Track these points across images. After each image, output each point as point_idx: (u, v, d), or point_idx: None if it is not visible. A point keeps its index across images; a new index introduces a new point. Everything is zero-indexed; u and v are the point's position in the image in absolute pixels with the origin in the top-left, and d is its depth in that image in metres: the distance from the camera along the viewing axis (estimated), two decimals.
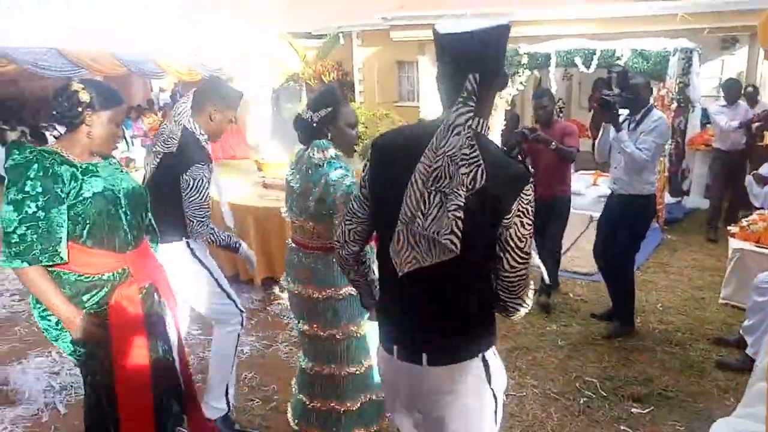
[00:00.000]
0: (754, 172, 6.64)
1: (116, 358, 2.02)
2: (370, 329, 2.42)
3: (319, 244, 2.35)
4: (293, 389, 2.68)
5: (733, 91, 6.30)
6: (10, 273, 5.26)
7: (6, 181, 1.89)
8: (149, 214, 2.22)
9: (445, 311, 1.48)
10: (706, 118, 7.97)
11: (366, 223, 1.62)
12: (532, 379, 3.30)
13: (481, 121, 1.40)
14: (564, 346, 3.69)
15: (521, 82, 7.31)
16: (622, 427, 2.89)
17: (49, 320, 2.00)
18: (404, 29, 11.32)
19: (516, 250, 1.39)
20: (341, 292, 2.36)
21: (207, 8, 13.89)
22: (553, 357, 3.54)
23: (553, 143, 4.05)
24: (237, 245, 2.80)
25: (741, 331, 3.57)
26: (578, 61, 6.74)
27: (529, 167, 3.85)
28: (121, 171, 2.15)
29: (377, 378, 2.43)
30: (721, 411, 2.98)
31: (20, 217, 1.84)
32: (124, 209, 2.03)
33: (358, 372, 2.46)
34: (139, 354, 2.06)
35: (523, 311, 1.52)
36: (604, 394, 3.17)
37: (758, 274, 3.62)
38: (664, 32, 7.57)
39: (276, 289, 4.72)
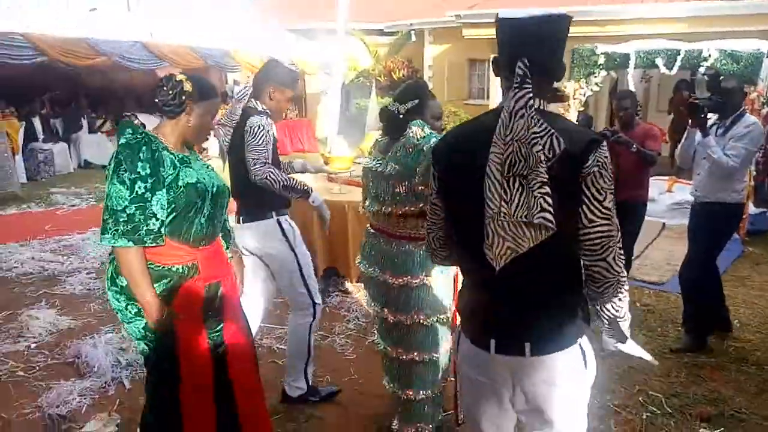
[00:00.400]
0: None
1: (181, 350, 2.07)
2: (438, 323, 2.46)
3: (404, 232, 2.40)
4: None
5: None
6: (91, 252, 5.60)
7: (116, 159, 1.92)
8: (225, 213, 2.27)
9: (543, 297, 1.47)
10: None
11: (439, 227, 1.64)
12: (591, 389, 3.17)
13: (543, 102, 1.42)
14: (628, 357, 3.52)
15: (597, 83, 7.06)
16: None
17: (121, 302, 2.06)
18: (476, 27, 11.20)
19: (594, 202, 1.36)
20: (415, 281, 2.39)
21: (281, 6, 14.28)
22: (614, 367, 3.40)
23: (635, 146, 3.89)
24: (307, 190, 2.80)
25: None
26: (660, 61, 6.45)
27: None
28: (209, 167, 2.20)
29: (441, 372, 2.55)
30: None
31: (131, 196, 1.88)
32: (209, 205, 2.07)
33: (421, 360, 2.49)
34: (201, 349, 2.11)
35: (611, 279, 1.43)
36: (670, 411, 3.01)
37: None
38: (756, 32, 7.12)
39: (336, 282, 4.77)
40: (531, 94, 1.33)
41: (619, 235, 1.41)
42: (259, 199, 2.74)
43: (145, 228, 1.91)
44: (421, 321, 2.43)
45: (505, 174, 1.33)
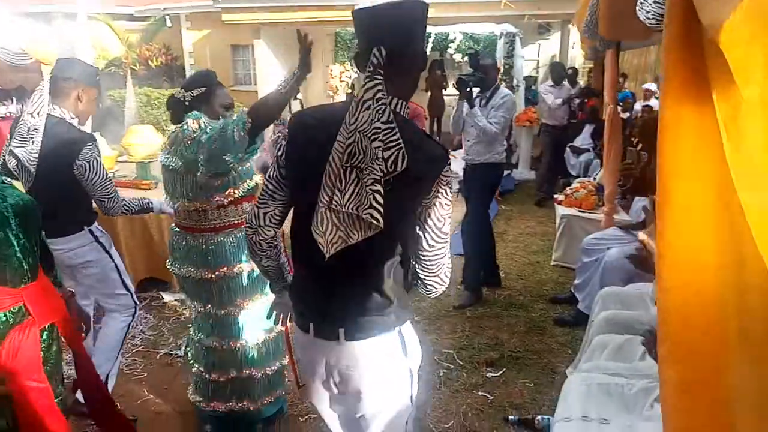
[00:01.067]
0: (570, 144, 7.40)
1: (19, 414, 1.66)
2: (262, 305, 2.43)
3: (208, 225, 2.35)
4: (190, 363, 2.65)
5: (558, 72, 7.01)
6: None
7: None
8: (42, 232, 1.83)
9: (363, 287, 1.49)
10: (530, 97, 8.69)
11: (283, 204, 1.57)
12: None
13: (399, 101, 1.42)
14: (419, 321, 3.78)
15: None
16: (480, 393, 3.02)
17: None
18: (237, 12, 10.83)
19: (435, 230, 1.45)
20: (235, 269, 2.38)
21: None
22: None
23: None
24: (149, 204, 2.78)
25: (572, 289, 3.94)
26: None
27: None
28: (2, 181, 1.72)
29: (278, 350, 2.59)
30: (561, 363, 3.26)
31: None
32: (14, 232, 1.63)
33: (254, 344, 2.50)
34: (44, 404, 1.70)
35: (440, 289, 1.57)
36: (461, 363, 3.30)
37: (584, 238, 4.01)
38: (490, 17, 8.06)
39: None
40: (381, 86, 1.33)
41: (448, 251, 1.52)
42: (72, 215, 2.59)
43: None
44: (247, 308, 2.44)
45: (344, 163, 1.33)
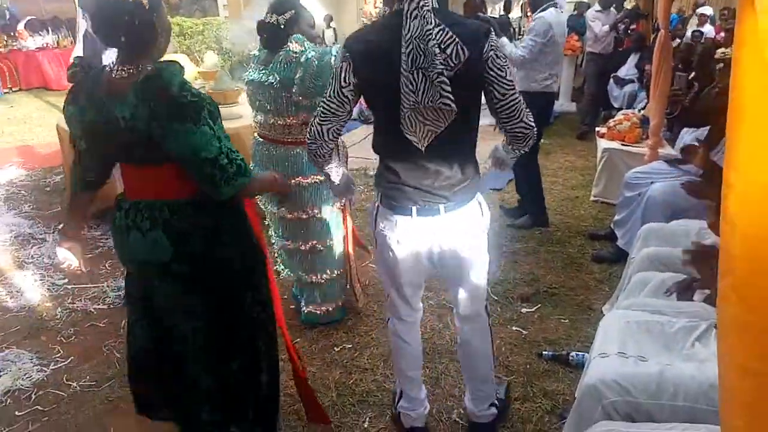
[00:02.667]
0: (614, 74, 7.05)
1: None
2: (331, 214, 2.85)
3: (290, 138, 2.65)
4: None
5: None
6: None
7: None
8: None
9: (452, 167, 1.79)
10: (575, 25, 8.24)
11: (344, 120, 1.83)
12: (427, 291, 3.31)
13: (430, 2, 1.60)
14: None
15: None
16: (514, 328, 3.00)
17: None
18: None
19: (500, 80, 1.68)
20: (307, 180, 2.70)
21: None
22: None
23: None
24: None
25: (612, 226, 3.82)
26: None
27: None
28: None
29: (338, 255, 2.95)
30: (598, 300, 3.21)
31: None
32: None
33: (321, 248, 2.87)
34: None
35: (529, 133, 1.78)
36: (496, 298, 3.27)
37: (627, 172, 3.85)
38: None
39: None
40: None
41: (520, 97, 1.74)
42: None
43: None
44: (316, 215, 2.78)
45: (410, 69, 1.57)
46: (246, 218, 1.90)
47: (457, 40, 1.57)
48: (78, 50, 4.30)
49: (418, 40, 1.55)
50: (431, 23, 1.55)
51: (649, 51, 5.61)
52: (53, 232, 4.31)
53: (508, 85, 1.68)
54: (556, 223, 4.29)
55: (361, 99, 1.83)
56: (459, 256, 1.92)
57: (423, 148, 1.69)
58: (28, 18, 11.60)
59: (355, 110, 2.03)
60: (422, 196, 1.82)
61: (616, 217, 3.76)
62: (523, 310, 3.17)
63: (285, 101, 2.55)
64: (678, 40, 7.03)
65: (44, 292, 3.49)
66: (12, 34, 11.56)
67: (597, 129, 5.05)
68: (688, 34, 7.57)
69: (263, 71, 2.58)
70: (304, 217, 2.77)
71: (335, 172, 2.01)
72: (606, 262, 3.65)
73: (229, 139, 1.69)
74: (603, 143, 4.68)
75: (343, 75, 1.73)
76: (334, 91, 1.75)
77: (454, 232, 1.87)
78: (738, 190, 0.87)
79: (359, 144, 6.11)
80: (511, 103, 1.71)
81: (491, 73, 1.66)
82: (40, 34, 11.72)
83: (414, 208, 1.83)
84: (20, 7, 11.96)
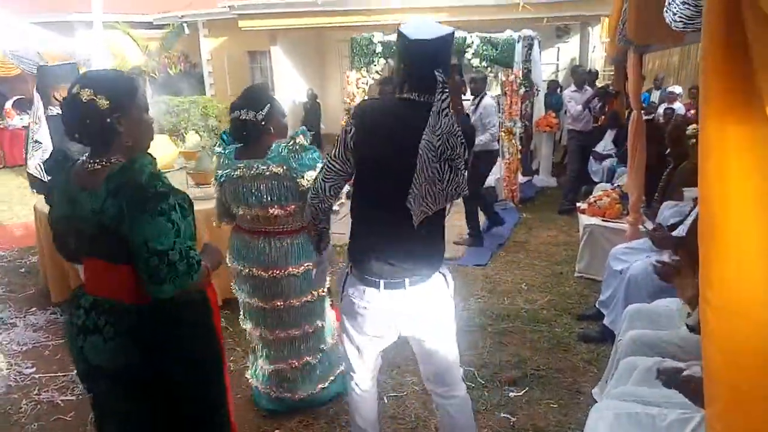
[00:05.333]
0: (593, 150, 7.23)
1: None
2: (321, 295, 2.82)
3: (280, 228, 2.63)
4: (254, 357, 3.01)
5: (579, 76, 6.87)
6: None
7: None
8: None
9: (423, 242, 1.93)
10: (551, 103, 8.53)
11: (345, 179, 1.97)
12: (411, 376, 3.21)
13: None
14: None
15: (377, 71, 7.27)
16: (502, 414, 2.89)
17: None
18: (253, 18, 10.86)
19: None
20: (299, 269, 2.67)
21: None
22: None
23: None
24: None
25: (597, 305, 3.78)
26: None
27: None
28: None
29: (329, 336, 2.93)
30: (587, 383, 3.13)
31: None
32: None
33: (313, 330, 2.83)
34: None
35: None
36: (483, 382, 3.17)
37: (609, 247, 3.87)
38: (508, 21, 7.93)
39: None
40: (449, 98, 1.71)
41: None
42: None
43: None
44: (309, 299, 2.74)
45: (439, 160, 1.71)
46: (212, 314, 1.85)
47: (463, 139, 1.76)
48: (41, 133, 4.10)
49: (448, 135, 1.70)
50: (455, 121, 1.72)
51: (624, 128, 5.79)
52: (24, 317, 4.17)
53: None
54: (542, 301, 4.24)
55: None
56: (427, 325, 2.03)
57: (416, 224, 1.82)
58: (16, 97, 11.77)
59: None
60: (389, 269, 1.93)
61: (602, 297, 3.73)
62: (511, 394, 3.07)
63: (286, 189, 2.54)
64: (652, 115, 7.27)
65: (10, 382, 3.33)
66: None
67: (578, 204, 5.11)
68: (660, 110, 7.86)
69: (244, 166, 2.54)
70: (297, 303, 2.73)
71: (326, 235, 2.19)
72: (593, 341, 3.58)
73: (193, 237, 1.64)
74: (584, 219, 4.72)
75: (347, 138, 1.89)
76: (338, 151, 1.92)
77: (419, 304, 1.97)
78: (715, 305, 0.84)
79: (341, 221, 6.10)
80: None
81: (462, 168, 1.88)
82: (27, 113, 11.85)
83: (381, 282, 1.94)
84: (9, 87, 12.16)
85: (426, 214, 1.79)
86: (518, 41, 6.56)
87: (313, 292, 2.75)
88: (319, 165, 2.39)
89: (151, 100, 11.21)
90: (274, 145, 2.54)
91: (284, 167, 2.50)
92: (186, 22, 12.95)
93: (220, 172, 2.65)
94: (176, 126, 10.80)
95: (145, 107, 1.70)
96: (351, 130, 1.88)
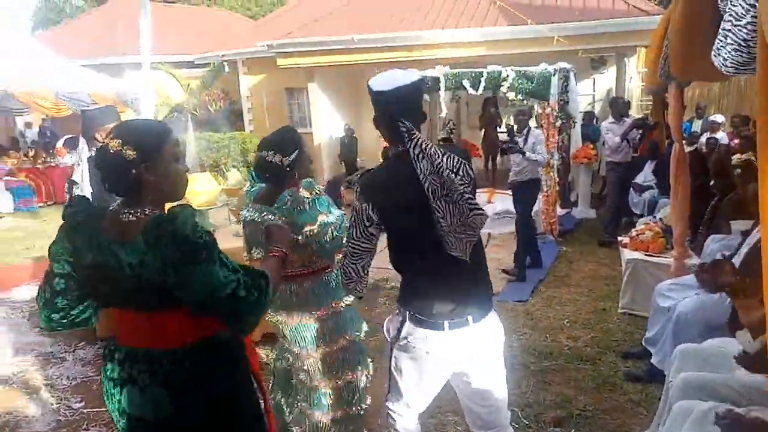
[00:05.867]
0: (633, 181, 7.11)
1: None
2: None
3: (293, 272, 2.49)
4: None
5: (618, 108, 6.81)
6: None
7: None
8: None
9: (474, 277, 1.97)
10: (589, 133, 8.46)
11: (373, 253, 2.01)
12: (453, 415, 3.16)
13: (428, 140, 1.86)
14: None
15: None
16: None
17: None
18: (290, 56, 11.16)
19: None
20: (324, 312, 2.54)
21: (67, 40, 12.96)
22: None
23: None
24: None
25: (644, 342, 3.68)
26: (466, 83, 6.87)
27: None
28: None
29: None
30: (636, 425, 3.03)
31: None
32: None
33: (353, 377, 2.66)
34: None
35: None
36: (527, 423, 3.10)
37: (654, 283, 3.77)
38: (542, 54, 7.96)
39: None
40: (421, 140, 1.78)
41: None
42: None
43: None
44: (345, 344, 2.60)
45: (436, 200, 1.76)
46: (245, 351, 1.82)
47: (462, 161, 1.79)
48: (78, 174, 4.14)
49: (432, 176, 1.75)
50: (438, 156, 1.75)
51: (664, 158, 5.69)
52: (73, 351, 4.29)
53: None
54: (585, 338, 4.14)
55: None
56: (482, 364, 2.03)
57: (467, 259, 1.85)
58: (67, 136, 12.29)
59: None
60: (453, 309, 1.94)
61: (648, 334, 3.63)
62: None
63: (302, 240, 2.40)
64: (694, 146, 7.14)
65: (60, 417, 3.41)
66: (51, 151, 12.21)
67: (620, 238, 5.01)
68: (702, 139, 7.71)
69: (264, 210, 2.43)
70: (335, 348, 2.59)
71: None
72: (640, 381, 3.47)
73: (244, 268, 1.63)
74: (627, 253, 4.62)
75: (364, 215, 1.92)
76: (359, 231, 1.94)
77: (480, 341, 1.99)
78: None
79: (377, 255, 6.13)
80: None
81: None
82: (77, 151, 12.36)
83: (446, 323, 1.93)
84: (61, 126, 12.74)
85: (471, 242, 1.83)
86: (554, 74, 6.56)
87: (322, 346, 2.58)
88: (322, 217, 2.37)
89: (193, 136, 11.58)
90: (283, 194, 2.42)
91: (284, 220, 2.35)
92: (226, 60, 13.39)
93: (243, 211, 2.63)
94: (217, 161, 11.09)
95: (176, 156, 1.66)
96: (364, 206, 1.92)
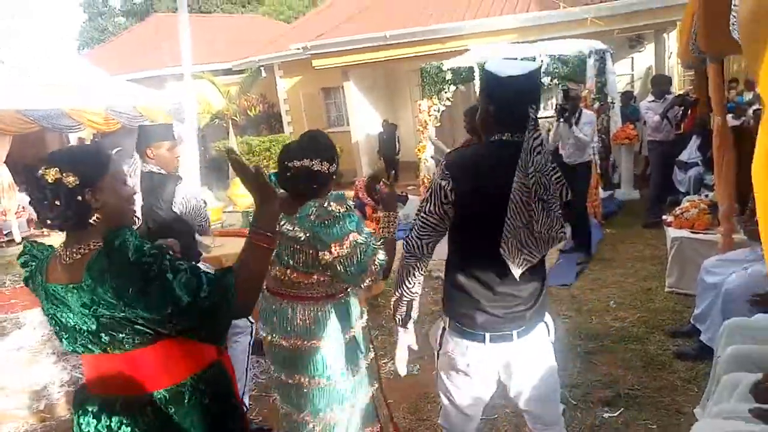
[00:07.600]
0: (677, 159, 6.96)
1: None
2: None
3: (310, 294, 2.16)
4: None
5: (659, 85, 6.65)
6: None
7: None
8: None
9: (528, 292, 1.87)
10: (627, 114, 8.29)
11: (442, 235, 1.91)
12: (501, 399, 3.20)
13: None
14: None
15: (448, 98, 7.39)
16: None
17: None
18: (325, 57, 11.33)
19: None
20: (317, 341, 2.16)
21: (112, 56, 13.45)
22: None
23: None
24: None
25: (692, 320, 3.64)
26: None
27: None
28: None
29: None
30: (687, 403, 3.01)
31: None
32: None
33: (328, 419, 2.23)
34: None
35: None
36: (575, 403, 3.13)
37: (700, 260, 3.73)
38: (578, 36, 7.85)
39: None
40: (541, 135, 1.66)
41: None
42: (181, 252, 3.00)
43: None
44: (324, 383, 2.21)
45: (532, 199, 1.65)
46: (231, 382, 1.67)
47: (565, 181, 1.72)
48: None
49: (540, 174, 1.64)
50: (550, 160, 1.68)
51: (710, 133, 5.55)
52: None
53: None
54: (632, 318, 4.12)
55: None
56: (531, 376, 1.96)
57: (517, 276, 1.76)
58: (116, 150, 12.75)
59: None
60: (497, 322, 1.86)
61: (696, 311, 3.59)
62: (606, 415, 3.01)
63: (311, 259, 2.07)
64: (742, 119, 6.93)
65: None
66: None
67: (664, 217, 4.94)
68: (750, 112, 7.46)
69: (282, 219, 2.10)
70: (306, 383, 2.22)
71: (415, 305, 2.03)
72: (690, 359, 3.44)
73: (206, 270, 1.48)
74: (672, 232, 4.56)
75: (443, 192, 1.81)
76: (434, 206, 1.83)
77: (525, 356, 1.92)
78: None
79: None
80: None
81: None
82: (129, 165, 12.83)
83: (487, 336, 1.87)
84: (111, 141, 13.22)
85: (529, 263, 1.72)
86: (589, 56, 6.49)
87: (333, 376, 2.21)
88: (353, 236, 1.95)
89: (235, 141, 11.88)
90: (306, 204, 2.05)
91: (308, 234, 2.03)
92: (262, 65, 13.67)
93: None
94: (259, 165, 11.36)
95: (122, 178, 1.52)
96: (448, 183, 1.80)
